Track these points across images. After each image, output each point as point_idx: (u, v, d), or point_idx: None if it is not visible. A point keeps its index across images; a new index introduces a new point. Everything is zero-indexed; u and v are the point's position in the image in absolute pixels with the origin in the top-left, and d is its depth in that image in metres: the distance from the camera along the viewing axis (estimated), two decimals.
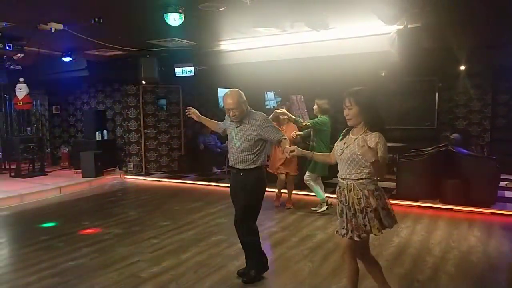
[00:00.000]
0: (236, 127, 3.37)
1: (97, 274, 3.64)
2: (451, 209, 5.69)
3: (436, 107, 9.69)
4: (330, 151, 3.64)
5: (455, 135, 7.82)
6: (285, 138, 3.37)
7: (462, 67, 8.20)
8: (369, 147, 2.39)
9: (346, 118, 2.61)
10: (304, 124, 5.53)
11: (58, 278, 3.58)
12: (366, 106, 2.55)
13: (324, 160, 3.10)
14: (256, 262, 3.46)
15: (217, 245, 4.38)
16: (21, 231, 5.26)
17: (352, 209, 2.54)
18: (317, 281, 3.45)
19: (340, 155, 2.61)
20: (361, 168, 2.52)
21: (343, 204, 2.59)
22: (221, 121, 3.73)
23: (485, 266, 3.79)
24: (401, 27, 4.64)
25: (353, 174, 2.54)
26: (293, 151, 2.88)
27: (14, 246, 4.71)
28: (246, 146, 3.32)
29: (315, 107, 5.54)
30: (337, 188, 2.68)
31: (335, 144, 2.76)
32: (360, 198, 2.51)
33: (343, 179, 2.61)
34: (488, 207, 5.61)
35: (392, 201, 6.34)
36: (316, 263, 3.85)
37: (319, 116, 5.47)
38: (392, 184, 7.02)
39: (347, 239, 2.61)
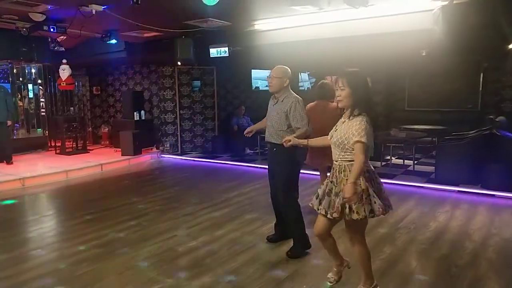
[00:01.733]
0: (273, 105, 3.58)
1: (139, 247, 3.84)
2: (493, 195, 5.45)
3: (481, 89, 9.18)
4: None
5: (500, 118, 7.40)
6: (304, 128, 3.38)
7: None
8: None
9: (337, 99, 2.60)
10: None
11: (103, 248, 3.81)
12: (356, 88, 2.50)
13: (322, 143, 2.92)
14: (299, 236, 3.57)
15: (251, 224, 4.47)
16: (67, 204, 5.60)
17: (338, 188, 2.55)
18: (351, 259, 3.45)
19: (330, 139, 2.65)
20: (350, 150, 2.52)
21: (333, 184, 2.60)
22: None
23: None
24: (446, 2, 4.38)
25: (342, 155, 2.57)
26: (289, 140, 3.02)
27: (62, 218, 5.01)
28: (278, 122, 3.50)
29: None
30: (332, 169, 2.70)
31: None
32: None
33: (336, 161, 2.63)
34: None
35: (430, 186, 6.19)
36: (349, 244, 3.83)
37: None
38: (430, 168, 6.82)
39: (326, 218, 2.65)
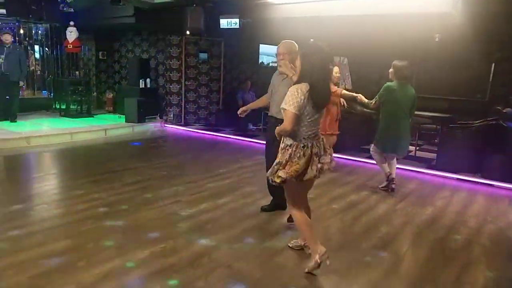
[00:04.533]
0: (282, 79, 3.52)
1: (142, 209, 3.93)
2: (492, 185, 5.51)
3: (491, 79, 9.11)
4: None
5: (508, 109, 7.38)
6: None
7: None
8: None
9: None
10: (371, 103, 4.70)
11: (107, 208, 3.89)
12: (302, 58, 2.71)
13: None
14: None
15: (251, 195, 4.54)
16: (72, 164, 5.68)
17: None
18: (347, 238, 3.53)
19: None
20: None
21: None
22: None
23: None
24: None
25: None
26: None
27: (67, 177, 5.07)
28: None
29: (390, 70, 4.69)
30: None
31: None
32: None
33: None
34: None
35: (430, 172, 6.23)
36: (347, 222, 3.91)
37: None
38: (432, 155, 6.88)
39: None
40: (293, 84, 2.74)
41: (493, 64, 9.00)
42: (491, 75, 9.06)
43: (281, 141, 2.80)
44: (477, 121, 6.25)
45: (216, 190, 4.65)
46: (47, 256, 2.90)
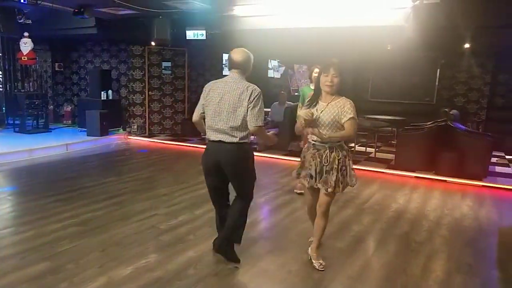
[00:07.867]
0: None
1: (119, 225, 3.89)
2: (445, 181, 6.02)
3: (437, 83, 9.90)
4: None
5: (454, 111, 8.07)
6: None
7: (467, 45, 8.32)
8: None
9: (328, 85, 2.90)
10: None
11: (82, 227, 3.81)
12: (343, 75, 2.94)
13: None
14: None
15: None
16: (35, 183, 5.39)
17: (328, 167, 2.93)
18: (322, 239, 3.73)
19: (317, 121, 2.92)
20: (338, 130, 2.91)
21: (323, 164, 2.95)
22: None
23: (476, 230, 4.15)
24: (417, 2, 4.72)
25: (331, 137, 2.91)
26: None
27: (32, 197, 4.78)
28: None
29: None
30: (313, 150, 3.01)
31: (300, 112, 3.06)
32: (340, 158, 2.93)
33: (322, 143, 2.95)
34: (480, 180, 5.96)
35: (389, 171, 6.67)
36: None
37: None
38: (390, 156, 7.35)
39: (321, 195, 3.04)
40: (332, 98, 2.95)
41: (438, 70, 9.79)
42: (437, 80, 9.85)
43: (340, 149, 2.96)
44: (429, 123, 6.79)
45: (191, 201, 4.70)
46: (26, 280, 2.81)
